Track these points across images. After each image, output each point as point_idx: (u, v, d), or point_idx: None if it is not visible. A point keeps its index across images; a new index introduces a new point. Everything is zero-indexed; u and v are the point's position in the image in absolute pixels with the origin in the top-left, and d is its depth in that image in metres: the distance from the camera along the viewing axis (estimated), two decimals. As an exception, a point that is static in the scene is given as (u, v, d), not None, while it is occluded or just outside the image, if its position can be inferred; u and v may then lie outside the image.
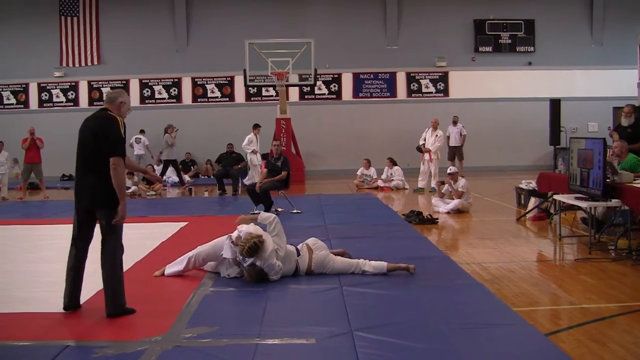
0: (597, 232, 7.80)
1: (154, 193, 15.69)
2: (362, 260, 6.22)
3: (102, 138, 4.78)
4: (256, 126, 16.79)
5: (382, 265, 6.14)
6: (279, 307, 5.15)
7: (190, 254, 6.23)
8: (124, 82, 21.59)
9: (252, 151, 16.38)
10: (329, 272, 6.13)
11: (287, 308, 5.17)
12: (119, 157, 4.77)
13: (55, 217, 11.24)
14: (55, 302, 5.32)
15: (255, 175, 15.63)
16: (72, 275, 4.97)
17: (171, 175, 18.71)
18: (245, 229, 5.95)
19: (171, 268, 6.25)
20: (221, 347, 4.19)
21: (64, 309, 4.96)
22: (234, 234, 5.98)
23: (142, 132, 19.83)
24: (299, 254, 6.16)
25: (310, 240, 6.40)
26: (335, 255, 6.37)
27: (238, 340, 4.31)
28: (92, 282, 6.00)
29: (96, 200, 4.83)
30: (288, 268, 6.03)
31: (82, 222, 4.95)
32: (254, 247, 5.68)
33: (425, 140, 14.80)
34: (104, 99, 5.13)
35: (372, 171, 16.36)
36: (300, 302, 5.37)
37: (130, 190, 15.36)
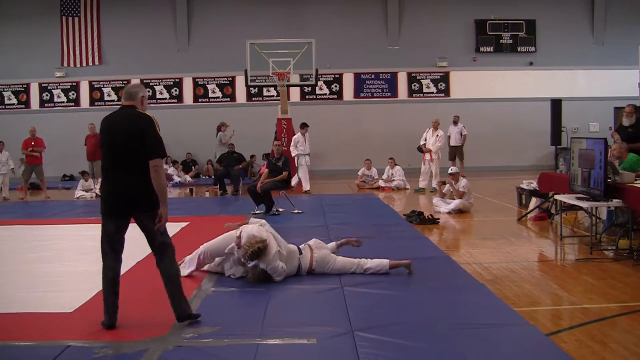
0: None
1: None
2: (363, 259, 6.24)
3: (140, 139, 4.53)
4: (303, 125, 15.78)
5: (384, 262, 6.18)
6: (280, 307, 5.15)
7: (198, 251, 6.26)
8: (125, 82, 21.52)
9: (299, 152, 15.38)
10: (330, 271, 6.14)
11: (289, 308, 5.17)
12: (160, 158, 4.59)
13: (56, 218, 11.25)
14: (55, 302, 5.34)
15: (304, 175, 15.25)
16: (113, 287, 4.63)
17: (173, 174, 18.72)
18: (249, 230, 5.95)
19: (186, 270, 6.24)
20: (222, 347, 4.19)
21: (109, 327, 4.56)
22: (237, 232, 6.00)
23: None
24: (301, 253, 6.20)
25: (312, 241, 6.48)
26: (341, 244, 6.60)
27: (239, 340, 4.31)
28: (92, 282, 6.01)
29: (137, 204, 4.58)
30: (291, 267, 6.05)
31: (119, 228, 4.66)
32: (257, 252, 5.71)
33: (426, 140, 14.78)
34: (123, 94, 4.84)
35: (373, 171, 16.38)
36: (301, 302, 5.37)
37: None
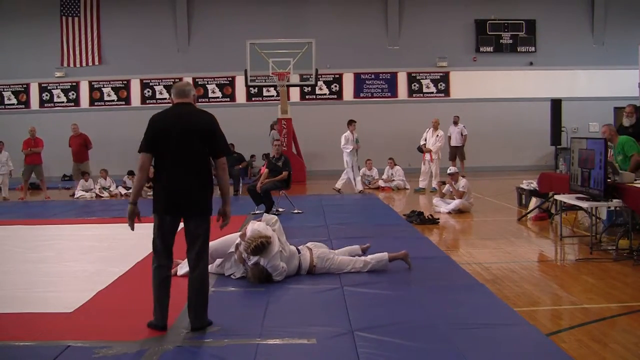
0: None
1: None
2: (362, 257, 6.28)
3: (208, 137, 4.46)
4: (351, 122, 15.04)
5: (383, 255, 6.22)
6: (280, 307, 5.15)
7: None
8: (125, 82, 21.60)
9: (351, 150, 14.80)
10: (331, 266, 6.15)
11: (288, 308, 5.17)
12: (226, 156, 4.58)
13: (56, 218, 11.25)
14: (55, 302, 5.34)
15: (355, 176, 14.75)
16: (166, 287, 4.59)
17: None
18: (256, 226, 5.94)
19: (182, 269, 6.24)
20: (222, 347, 4.19)
21: (162, 328, 4.52)
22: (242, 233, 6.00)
23: None
24: (299, 252, 6.21)
25: (309, 243, 6.51)
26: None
27: (239, 340, 4.31)
28: (92, 282, 6.03)
29: (194, 205, 4.49)
30: (292, 267, 6.05)
31: (173, 228, 4.57)
32: (260, 246, 5.70)
33: (426, 140, 14.78)
34: (175, 92, 4.65)
35: (374, 172, 16.41)
36: (301, 302, 5.37)
37: (131, 191, 15.39)
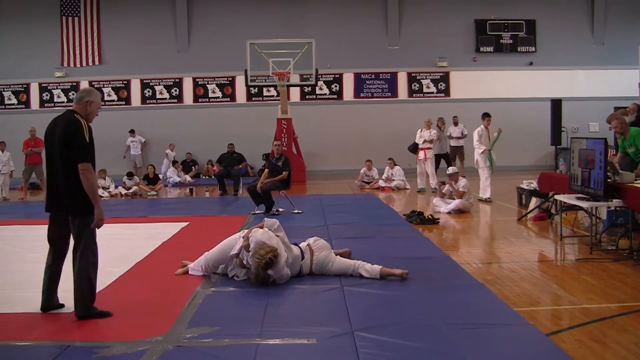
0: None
1: (155, 193, 15.71)
2: (359, 262, 6.17)
3: (68, 143, 4.66)
4: (485, 115, 12.88)
5: (376, 270, 5.99)
6: (280, 307, 5.14)
7: (201, 260, 6.20)
8: (125, 82, 21.61)
9: (483, 151, 12.73)
10: (328, 273, 6.12)
11: (288, 308, 5.17)
12: (87, 162, 4.67)
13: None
14: (56, 302, 5.33)
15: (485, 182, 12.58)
16: (48, 276, 4.95)
17: (172, 175, 18.72)
18: (258, 236, 5.88)
19: (193, 271, 6.24)
20: (222, 347, 4.18)
21: (43, 309, 4.92)
22: (245, 234, 5.96)
23: (131, 132, 20.30)
24: (303, 257, 6.14)
25: (312, 240, 6.39)
26: (339, 255, 6.36)
27: (239, 340, 4.31)
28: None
29: (69, 208, 4.75)
30: (294, 270, 6.03)
31: (58, 224, 4.88)
32: (269, 262, 5.62)
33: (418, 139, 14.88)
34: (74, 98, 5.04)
35: (374, 172, 16.42)
36: (301, 302, 5.36)
37: (131, 190, 15.40)
